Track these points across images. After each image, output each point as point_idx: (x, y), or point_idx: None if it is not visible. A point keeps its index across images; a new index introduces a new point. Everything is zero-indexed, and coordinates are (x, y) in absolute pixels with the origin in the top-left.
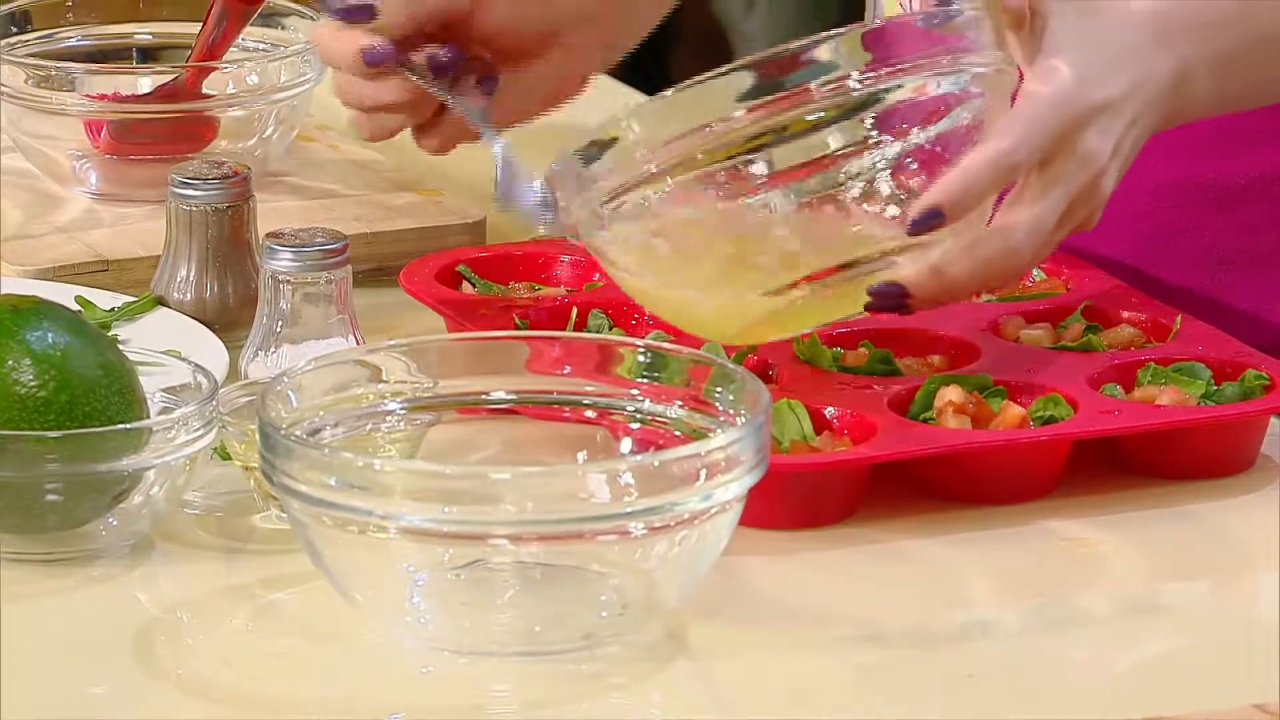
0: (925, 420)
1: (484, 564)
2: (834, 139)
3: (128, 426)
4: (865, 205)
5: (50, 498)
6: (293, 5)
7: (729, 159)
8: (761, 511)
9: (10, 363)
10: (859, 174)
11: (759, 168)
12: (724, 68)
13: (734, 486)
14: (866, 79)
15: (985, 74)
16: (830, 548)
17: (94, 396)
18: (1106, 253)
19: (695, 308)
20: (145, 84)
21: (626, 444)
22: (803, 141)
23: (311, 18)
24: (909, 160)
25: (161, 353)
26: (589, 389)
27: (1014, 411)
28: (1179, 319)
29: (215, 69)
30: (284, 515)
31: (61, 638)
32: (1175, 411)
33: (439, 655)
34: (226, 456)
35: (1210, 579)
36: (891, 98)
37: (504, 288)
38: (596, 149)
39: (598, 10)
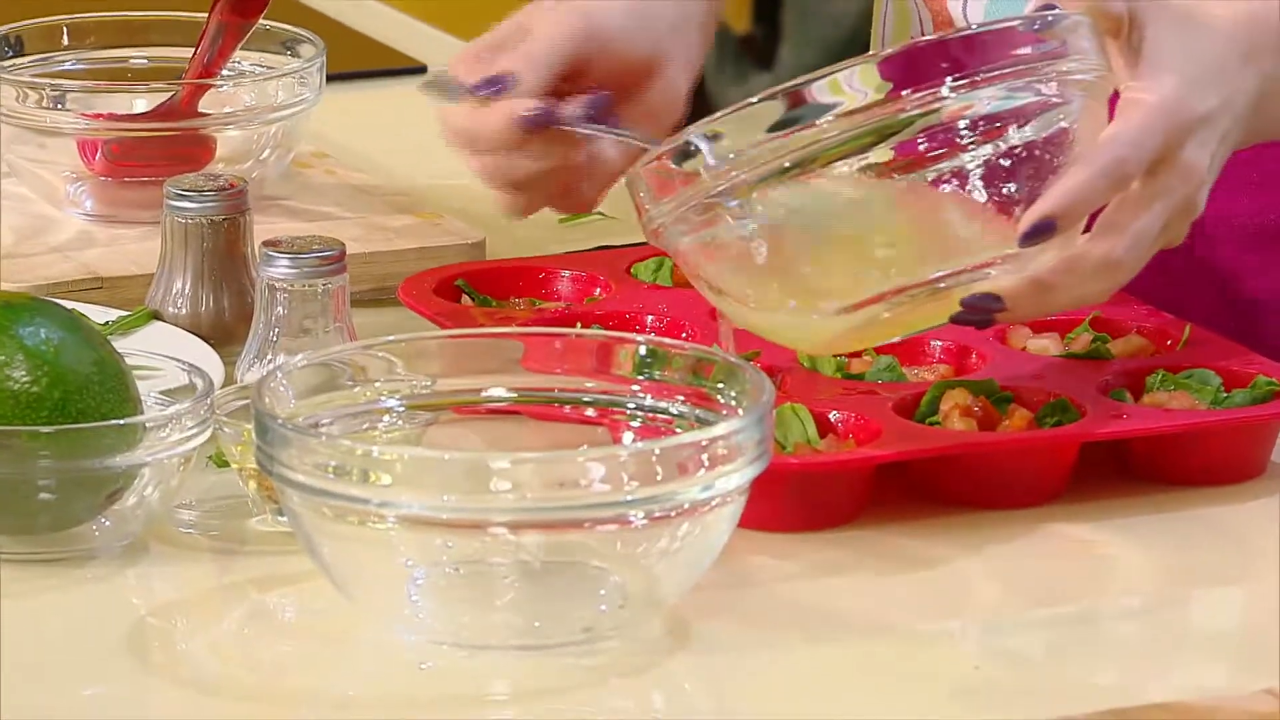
0: (931, 424)
1: (483, 560)
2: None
3: (121, 423)
4: (959, 215)
5: (43, 496)
6: (294, 29)
7: (818, 165)
8: (764, 513)
9: (3, 358)
10: (952, 181)
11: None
12: (809, 75)
13: (735, 478)
14: (959, 86)
15: (1087, 80)
16: (834, 550)
17: (87, 393)
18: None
19: (777, 321)
20: (140, 105)
21: (628, 439)
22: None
23: (310, 41)
24: (1005, 168)
25: (156, 354)
26: (589, 386)
27: (1021, 415)
28: (1188, 327)
29: (212, 86)
30: (281, 517)
31: (55, 638)
32: (1184, 415)
33: (437, 650)
34: (223, 464)
35: (1219, 583)
36: (984, 104)
37: (503, 303)
38: (679, 156)
39: (685, 14)
